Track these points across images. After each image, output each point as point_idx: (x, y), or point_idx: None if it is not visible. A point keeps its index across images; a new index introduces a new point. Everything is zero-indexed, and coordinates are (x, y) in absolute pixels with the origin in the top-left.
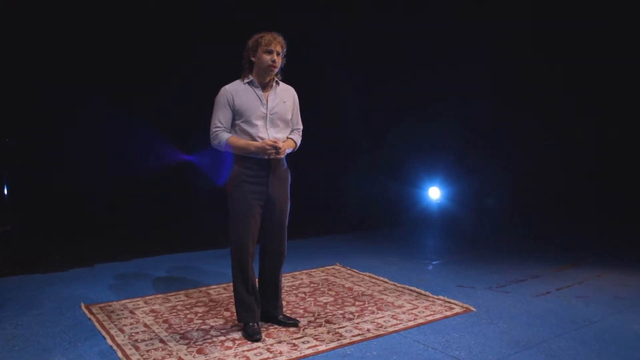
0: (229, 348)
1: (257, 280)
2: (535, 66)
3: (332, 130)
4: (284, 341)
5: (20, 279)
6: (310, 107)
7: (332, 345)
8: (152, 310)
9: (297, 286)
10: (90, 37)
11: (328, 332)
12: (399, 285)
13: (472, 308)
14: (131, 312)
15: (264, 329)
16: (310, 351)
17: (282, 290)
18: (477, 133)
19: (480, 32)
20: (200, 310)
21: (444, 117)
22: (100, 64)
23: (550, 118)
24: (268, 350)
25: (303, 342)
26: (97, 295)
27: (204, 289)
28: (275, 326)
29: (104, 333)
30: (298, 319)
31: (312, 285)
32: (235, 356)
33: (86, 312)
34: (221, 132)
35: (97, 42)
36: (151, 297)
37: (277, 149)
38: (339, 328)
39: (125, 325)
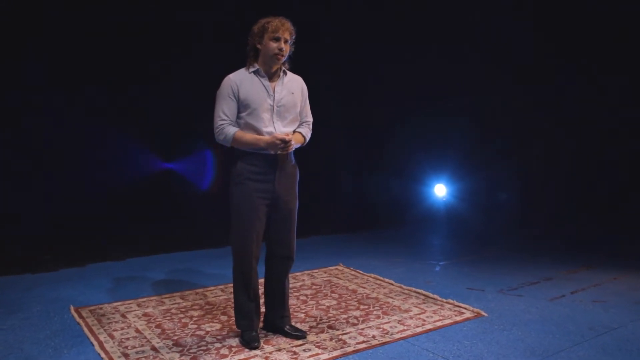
0: (225, 356)
1: (263, 285)
2: (545, 60)
3: (336, 125)
4: (284, 349)
5: (8, 280)
6: (313, 101)
7: (335, 353)
8: (145, 314)
9: (298, 288)
10: (68, 39)
11: (331, 339)
12: (405, 287)
13: (483, 313)
14: (123, 315)
15: (263, 335)
16: None
17: None
18: (486, 129)
19: (488, 27)
20: (195, 314)
21: (452, 113)
22: (80, 68)
23: (562, 114)
24: (266, 359)
25: (304, 350)
26: (88, 298)
27: (200, 290)
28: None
29: (92, 339)
30: (299, 324)
31: (314, 287)
32: None
33: (75, 315)
34: (227, 126)
35: (75, 45)
36: (144, 299)
37: (286, 142)
38: (342, 334)
39: (116, 330)
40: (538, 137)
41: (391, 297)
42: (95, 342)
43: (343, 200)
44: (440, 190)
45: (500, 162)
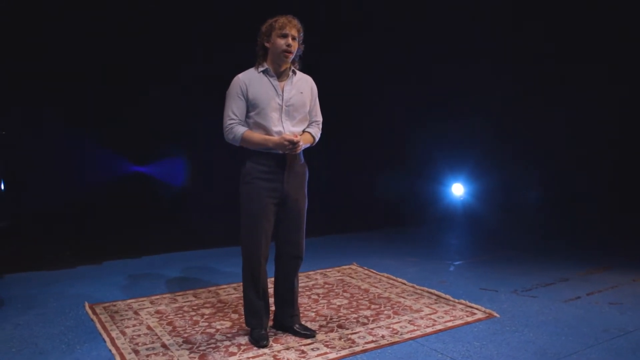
0: (233, 354)
1: (273, 284)
2: (563, 60)
3: (353, 124)
4: (292, 348)
5: (27, 276)
6: (331, 101)
7: (343, 353)
8: (157, 312)
9: (310, 287)
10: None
11: (340, 338)
12: (418, 287)
13: (495, 314)
14: (135, 312)
15: (273, 334)
16: (319, 359)
17: None
18: (503, 128)
19: (505, 27)
20: (207, 311)
21: (469, 112)
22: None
23: (581, 113)
24: (274, 357)
25: (312, 349)
26: (103, 294)
27: (213, 288)
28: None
29: (104, 335)
30: (309, 323)
31: (326, 286)
32: None
33: (89, 312)
34: (236, 126)
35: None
36: (158, 296)
37: (294, 143)
38: (351, 334)
39: (128, 327)
40: (556, 136)
41: (403, 297)
42: (107, 339)
43: (360, 199)
44: (457, 190)
45: (517, 161)
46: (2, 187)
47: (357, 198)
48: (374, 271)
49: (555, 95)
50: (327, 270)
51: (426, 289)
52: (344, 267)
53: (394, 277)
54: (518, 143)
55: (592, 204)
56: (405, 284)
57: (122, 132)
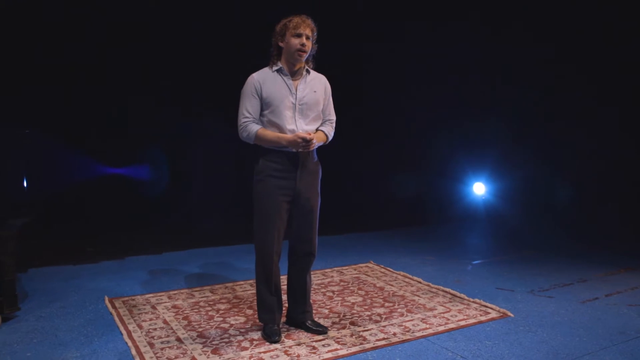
0: (245, 349)
1: (287, 281)
2: (584, 62)
3: (374, 123)
4: (304, 343)
5: (50, 270)
6: (353, 100)
7: (354, 349)
8: (174, 306)
9: (326, 284)
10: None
11: (351, 335)
12: (433, 286)
13: (509, 313)
14: (153, 307)
15: (285, 329)
16: (329, 355)
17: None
18: (525, 127)
19: (524, 31)
20: (222, 307)
21: (491, 111)
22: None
23: (604, 112)
24: (285, 352)
25: (323, 345)
26: (123, 289)
27: (230, 284)
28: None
29: (122, 328)
30: (322, 320)
31: (342, 283)
32: (250, 358)
33: (109, 305)
34: (250, 124)
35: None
36: (176, 292)
37: (307, 141)
38: (363, 331)
39: (145, 321)
40: (578, 136)
41: (417, 295)
42: (124, 332)
43: (381, 197)
44: (479, 189)
45: (540, 161)
46: (25, 183)
47: (377, 196)
48: (390, 269)
49: (578, 94)
50: (344, 267)
51: (441, 287)
52: (361, 265)
53: (410, 276)
54: (540, 143)
55: (614, 205)
56: (420, 282)
57: (122, 133)
